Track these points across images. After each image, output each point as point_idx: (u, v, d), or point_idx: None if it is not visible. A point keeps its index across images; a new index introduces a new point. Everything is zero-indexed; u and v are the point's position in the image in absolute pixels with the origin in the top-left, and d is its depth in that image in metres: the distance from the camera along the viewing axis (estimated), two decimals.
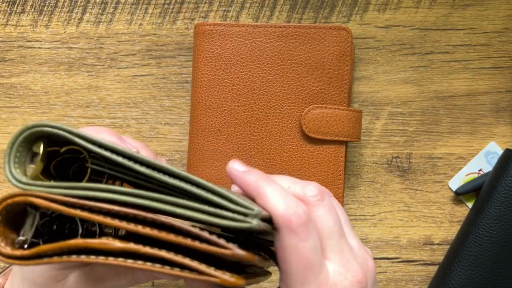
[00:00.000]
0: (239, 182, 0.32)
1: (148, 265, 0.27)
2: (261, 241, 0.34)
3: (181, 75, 0.54)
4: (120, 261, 0.27)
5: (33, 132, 0.29)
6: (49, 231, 0.32)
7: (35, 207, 0.29)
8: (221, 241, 0.27)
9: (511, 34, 0.53)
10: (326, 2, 0.53)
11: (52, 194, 0.28)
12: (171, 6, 0.54)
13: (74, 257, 0.27)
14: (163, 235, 0.27)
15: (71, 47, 0.54)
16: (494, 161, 0.53)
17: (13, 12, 0.54)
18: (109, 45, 0.54)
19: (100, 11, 0.54)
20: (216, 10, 0.54)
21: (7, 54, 0.54)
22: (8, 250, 0.28)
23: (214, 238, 0.27)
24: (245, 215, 0.27)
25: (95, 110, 0.54)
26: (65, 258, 0.28)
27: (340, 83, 0.50)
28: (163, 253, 0.27)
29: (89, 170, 0.31)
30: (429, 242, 0.53)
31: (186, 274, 0.27)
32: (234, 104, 0.50)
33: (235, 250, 0.26)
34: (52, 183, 0.29)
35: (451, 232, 0.53)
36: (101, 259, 0.27)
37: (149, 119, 0.54)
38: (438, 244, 0.53)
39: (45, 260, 0.28)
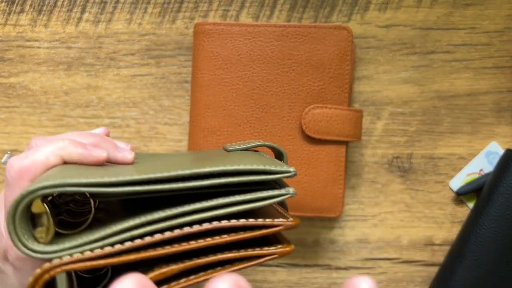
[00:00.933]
0: None
1: (209, 272, 0.28)
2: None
3: (181, 75, 0.54)
4: (182, 282, 0.28)
5: (32, 198, 0.27)
6: (79, 281, 0.32)
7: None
8: (268, 221, 0.28)
9: None
10: (326, 1, 0.53)
11: (85, 251, 0.27)
12: (171, 6, 0.54)
13: None
14: (218, 240, 0.28)
15: (70, 47, 0.54)
16: (495, 161, 0.52)
17: (12, 11, 0.54)
18: (108, 45, 0.54)
19: (100, 10, 0.54)
20: (216, 10, 0.53)
21: (6, 54, 0.54)
22: None
23: (260, 221, 0.28)
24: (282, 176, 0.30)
25: (94, 110, 0.54)
26: None
27: (340, 83, 0.50)
28: (219, 256, 0.28)
29: (92, 212, 0.32)
30: (430, 243, 0.53)
31: (247, 264, 0.28)
32: (234, 104, 0.50)
33: (285, 224, 0.29)
34: (77, 241, 0.27)
35: (452, 232, 0.53)
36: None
37: (148, 119, 0.54)
38: (439, 244, 0.53)
39: None
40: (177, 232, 0.28)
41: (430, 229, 0.53)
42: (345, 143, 0.50)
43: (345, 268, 0.53)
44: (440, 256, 0.53)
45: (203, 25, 0.50)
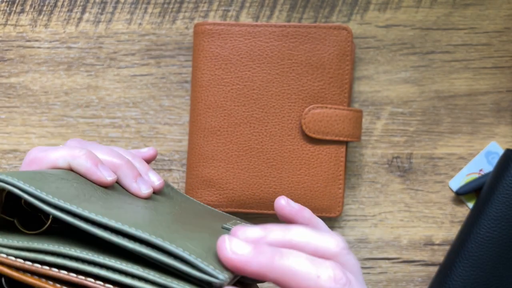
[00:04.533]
0: (294, 217, 0.37)
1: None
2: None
3: (181, 75, 0.54)
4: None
5: None
6: None
7: None
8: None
9: None
10: (326, 1, 0.53)
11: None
12: (171, 6, 0.54)
13: None
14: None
15: (70, 47, 0.54)
16: (495, 161, 0.52)
17: (13, 11, 0.54)
18: (108, 45, 0.54)
19: (100, 10, 0.54)
20: (216, 10, 0.53)
21: (6, 54, 0.54)
22: None
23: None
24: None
25: (95, 110, 0.54)
26: None
27: (340, 83, 0.50)
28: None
29: (48, 222, 0.32)
30: (429, 243, 0.53)
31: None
32: (234, 104, 0.50)
33: None
34: (5, 240, 0.29)
35: (451, 232, 0.53)
36: None
37: (148, 119, 0.54)
38: (438, 244, 0.53)
39: None
40: (64, 276, 0.27)
41: (429, 229, 0.53)
42: (345, 143, 0.50)
43: None
44: (439, 256, 0.53)
45: (203, 25, 0.50)
